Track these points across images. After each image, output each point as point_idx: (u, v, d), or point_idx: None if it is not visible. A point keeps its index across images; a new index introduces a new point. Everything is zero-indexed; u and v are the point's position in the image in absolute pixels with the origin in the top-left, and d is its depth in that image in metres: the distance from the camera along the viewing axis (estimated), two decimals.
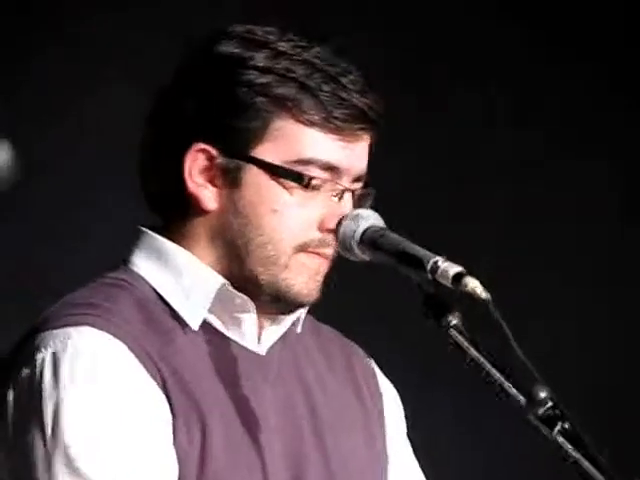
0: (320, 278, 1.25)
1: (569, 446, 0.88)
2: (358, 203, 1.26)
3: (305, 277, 1.23)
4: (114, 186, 3.52)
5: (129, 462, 1.08)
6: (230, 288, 1.22)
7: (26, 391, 1.12)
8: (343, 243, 1.20)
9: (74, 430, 1.07)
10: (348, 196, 1.24)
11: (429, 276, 1.02)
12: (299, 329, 1.32)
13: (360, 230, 1.17)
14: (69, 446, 1.06)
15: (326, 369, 1.39)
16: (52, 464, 1.07)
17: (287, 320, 1.29)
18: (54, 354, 1.11)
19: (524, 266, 4.21)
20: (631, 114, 4.45)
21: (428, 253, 1.05)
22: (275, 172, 1.21)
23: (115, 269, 1.26)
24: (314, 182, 1.22)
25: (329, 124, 1.22)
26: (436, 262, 1.02)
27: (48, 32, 3.80)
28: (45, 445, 1.08)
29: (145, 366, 1.13)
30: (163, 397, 1.13)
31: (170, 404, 1.14)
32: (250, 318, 1.24)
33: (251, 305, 1.23)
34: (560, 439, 0.88)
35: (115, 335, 1.13)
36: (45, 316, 1.19)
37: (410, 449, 1.47)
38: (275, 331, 1.29)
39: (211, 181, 1.23)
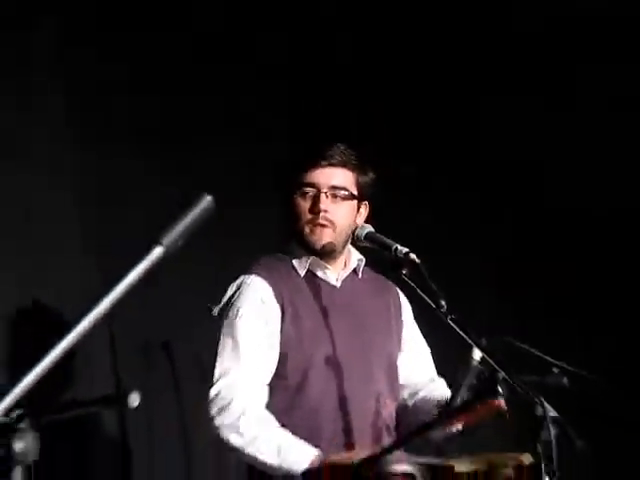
0: (316, 236, 2.34)
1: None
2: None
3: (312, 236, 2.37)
4: None
5: (260, 335, 2.28)
6: (316, 259, 2.38)
7: (229, 296, 2.35)
8: (357, 238, 2.37)
9: (235, 319, 2.28)
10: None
11: (393, 253, 2.17)
12: (360, 274, 2.48)
13: (363, 233, 2.36)
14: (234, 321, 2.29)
15: (373, 295, 2.51)
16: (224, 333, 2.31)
17: (349, 268, 2.44)
18: (240, 283, 2.34)
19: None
20: None
21: (393, 243, 2.19)
22: None
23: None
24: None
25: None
26: (396, 247, 2.17)
27: None
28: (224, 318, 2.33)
29: (276, 293, 2.31)
30: (279, 308, 2.30)
31: (282, 311, 2.31)
32: (329, 268, 2.40)
33: (326, 262, 2.40)
34: None
35: (263, 277, 2.33)
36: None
37: (418, 333, 2.58)
38: (344, 274, 2.44)
39: None
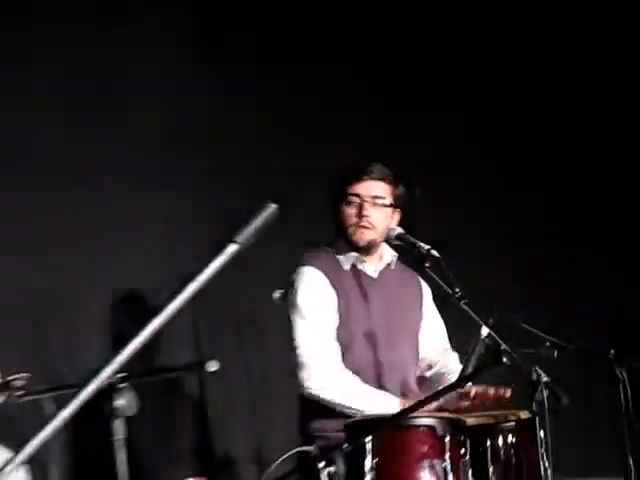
0: (360, 236, 2.86)
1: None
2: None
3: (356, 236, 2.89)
4: None
5: (324, 312, 2.83)
6: (358, 254, 2.91)
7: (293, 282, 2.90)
8: (389, 238, 2.87)
9: (302, 302, 2.82)
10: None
11: (417, 250, 2.67)
12: (392, 266, 2.99)
13: (395, 233, 2.85)
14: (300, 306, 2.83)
15: (402, 284, 3.04)
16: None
17: (384, 262, 2.96)
18: (301, 272, 2.88)
19: None
20: None
21: (417, 241, 2.69)
22: None
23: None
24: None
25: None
26: (420, 245, 2.67)
27: None
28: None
29: (329, 281, 2.85)
30: (335, 293, 2.84)
31: (337, 296, 2.84)
32: (368, 261, 2.93)
33: (365, 257, 2.92)
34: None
35: (318, 268, 2.87)
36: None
37: (437, 314, 3.09)
38: (380, 267, 2.97)
39: None
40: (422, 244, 2.68)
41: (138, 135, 3.67)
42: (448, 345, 3.10)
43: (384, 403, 2.74)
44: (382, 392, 2.82)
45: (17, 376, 2.45)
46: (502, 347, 2.40)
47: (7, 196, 3.31)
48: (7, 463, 1.28)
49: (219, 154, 3.91)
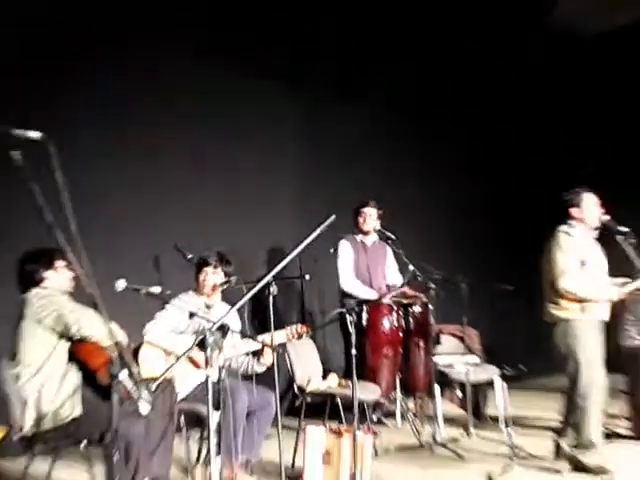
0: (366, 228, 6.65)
1: None
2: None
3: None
4: None
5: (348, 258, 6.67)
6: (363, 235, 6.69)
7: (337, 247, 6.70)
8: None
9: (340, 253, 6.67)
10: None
11: (386, 235, 6.54)
12: (376, 242, 6.72)
13: (378, 226, 6.69)
14: None
15: (379, 248, 6.74)
16: None
17: (373, 239, 6.68)
18: (340, 241, 6.65)
19: None
20: None
21: (385, 231, 6.53)
22: None
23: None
24: None
25: None
26: (388, 235, 6.54)
27: None
28: None
29: (351, 246, 6.62)
30: (352, 252, 6.60)
31: (354, 253, 6.60)
32: (366, 239, 6.68)
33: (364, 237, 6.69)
34: None
35: (347, 240, 6.63)
36: None
37: (394, 262, 6.89)
38: (371, 241, 6.70)
39: None
40: (387, 232, 6.43)
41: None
42: (397, 272, 6.83)
43: (371, 294, 6.44)
44: (370, 290, 6.52)
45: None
46: (416, 271, 6.22)
47: None
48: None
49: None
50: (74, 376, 3.75)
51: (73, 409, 3.65)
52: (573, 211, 5.10)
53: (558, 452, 5.06)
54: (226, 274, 4.77)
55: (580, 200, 5.11)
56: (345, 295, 6.52)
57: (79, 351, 3.72)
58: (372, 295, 6.42)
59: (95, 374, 3.67)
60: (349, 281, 6.53)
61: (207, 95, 6.72)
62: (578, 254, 4.98)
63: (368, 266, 6.62)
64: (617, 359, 5.71)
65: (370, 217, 6.58)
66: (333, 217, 3.57)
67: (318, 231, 3.49)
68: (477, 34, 8.29)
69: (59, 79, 5.58)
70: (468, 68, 8.54)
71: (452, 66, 8.42)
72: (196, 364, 4.38)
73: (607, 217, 5.10)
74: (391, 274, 6.81)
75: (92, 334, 3.65)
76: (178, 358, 4.11)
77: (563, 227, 5.07)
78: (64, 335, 3.69)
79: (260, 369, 4.66)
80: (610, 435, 5.80)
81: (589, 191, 5.15)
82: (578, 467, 4.83)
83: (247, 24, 6.92)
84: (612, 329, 5.50)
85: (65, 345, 3.72)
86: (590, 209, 5.10)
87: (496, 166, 9.13)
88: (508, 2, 8.12)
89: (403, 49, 7.90)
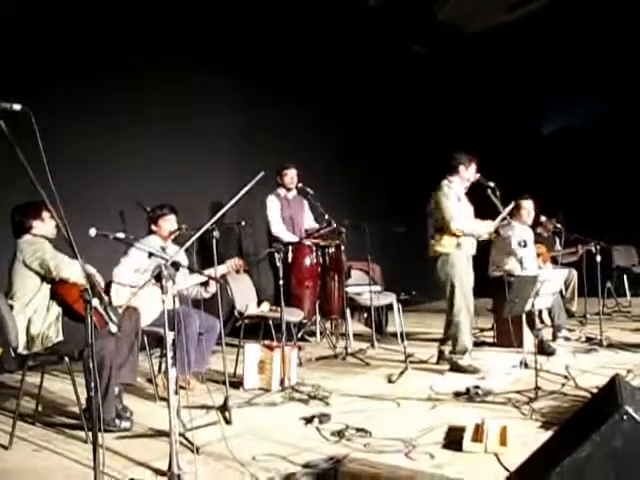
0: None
1: None
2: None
3: None
4: None
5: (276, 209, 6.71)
6: (286, 191, 6.74)
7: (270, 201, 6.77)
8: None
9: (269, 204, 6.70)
10: None
11: (305, 190, 6.63)
12: (295, 194, 6.77)
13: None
14: None
15: (299, 201, 6.82)
16: None
17: (292, 193, 6.72)
18: (269, 197, 6.70)
19: None
20: None
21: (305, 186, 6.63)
22: None
23: None
24: None
25: None
26: (307, 190, 6.63)
27: None
28: None
29: (278, 201, 6.70)
30: (280, 204, 6.69)
31: (280, 205, 6.69)
32: (289, 195, 6.74)
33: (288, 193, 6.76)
34: None
35: (274, 195, 6.70)
36: None
37: (309, 209, 6.99)
38: (292, 195, 6.75)
39: None
40: (307, 188, 6.51)
41: None
42: (312, 220, 6.89)
43: (293, 238, 6.54)
44: (293, 235, 6.61)
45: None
46: (330, 219, 6.33)
47: None
48: None
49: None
50: (56, 309, 3.77)
51: (57, 334, 3.68)
52: (460, 168, 5.27)
53: (440, 357, 5.32)
54: (177, 223, 4.83)
55: (466, 160, 5.29)
56: (273, 238, 6.61)
57: (59, 289, 3.76)
58: (293, 239, 6.54)
59: (72, 306, 3.70)
60: (277, 227, 6.62)
61: (166, 74, 6.60)
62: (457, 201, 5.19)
63: (291, 215, 6.72)
64: (485, 285, 6.03)
65: (292, 177, 6.64)
66: (262, 174, 3.62)
67: (249, 186, 3.54)
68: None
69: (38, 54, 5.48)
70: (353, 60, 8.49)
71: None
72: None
73: (478, 175, 5.30)
74: (308, 222, 6.91)
75: (68, 276, 3.69)
76: (140, 288, 4.17)
77: (445, 181, 5.26)
78: (46, 276, 3.72)
79: (207, 295, 4.75)
80: (480, 344, 6.13)
81: (471, 155, 5.34)
82: (455, 367, 5.10)
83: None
84: (481, 262, 5.78)
85: (48, 285, 3.75)
86: (471, 168, 5.28)
87: (391, 139, 9.33)
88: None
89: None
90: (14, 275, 3.73)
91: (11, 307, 3.68)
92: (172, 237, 4.84)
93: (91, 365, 2.45)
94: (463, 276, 5.09)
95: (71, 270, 3.66)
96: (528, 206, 6.22)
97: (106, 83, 6.03)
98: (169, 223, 4.78)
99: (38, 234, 3.81)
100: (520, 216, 6.19)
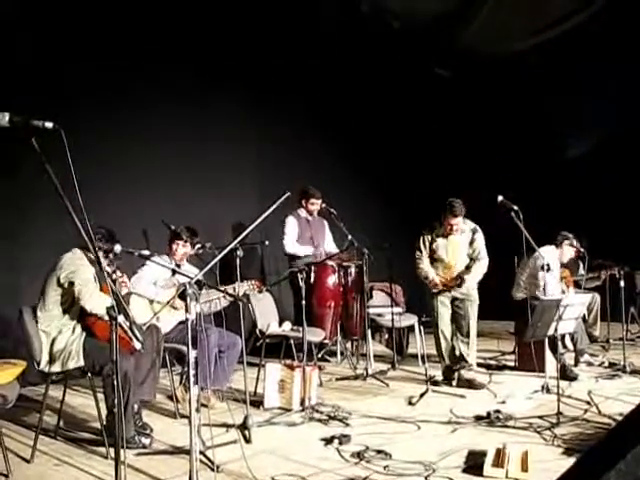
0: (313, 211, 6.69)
1: None
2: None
3: None
4: None
5: (294, 230, 6.70)
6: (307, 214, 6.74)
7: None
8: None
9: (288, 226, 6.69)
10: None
11: (327, 207, 6.64)
12: (316, 217, 6.73)
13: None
14: None
15: (320, 221, 6.78)
16: None
17: (315, 215, 6.72)
18: (288, 217, 6.67)
19: None
20: None
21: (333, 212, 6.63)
22: None
23: None
24: None
25: None
26: (331, 211, 6.64)
27: None
28: None
29: (297, 221, 6.69)
30: (297, 226, 6.67)
31: (299, 227, 6.67)
32: (308, 215, 6.72)
33: (309, 216, 6.75)
34: None
35: (294, 216, 6.71)
36: None
37: (329, 231, 7.01)
38: (312, 216, 6.73)
39: None
40: (330, 209, 6.49)
41: None
42: (332, 242, 6.85)
43: (308, 250, 6.47)
44: (307, 247, 6.54)
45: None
46: (353, 240, 6.32)
47: None
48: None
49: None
50: (81, 333, 3.76)
51: (78, 357, 3.66)
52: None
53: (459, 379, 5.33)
54: (193, 244, 4.89)
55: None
56: (291, 258, 6.59)
57: (87, 319, 3.76)
58: (308, 251, 6.56)
59: (96, 332, 3.73)
60: (290, 246, 6.59)
61: (182, 97, 6.64)
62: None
63: (311, 236, 6.68)
64: (507, 308, 5.95)
65: (318, 207, 6.60)
66: (288, 194, 3.60)
67: (275, 205, 3.52)
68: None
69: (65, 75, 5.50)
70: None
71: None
72: (175, 307, 4.52)
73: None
74: (327, 243, 6.87)
75: (90, 308, 3.68)
76: (163, 306, 4.18)
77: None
78: (68, 295, 3.73)
79: (225, 303, 4.79)
80: (501, 367, 6.05)
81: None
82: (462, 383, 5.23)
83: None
84: (503, 284, 5.72)
85: (77, 306, 3.74)
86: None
87: (414, 161, 9.34)
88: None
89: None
90: (47, 287, 3.74)
91: (37, 320, 3.70)
92: (185, 258, 4.93)
93: (115, 383, 2.44)
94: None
95: (93, 303, 3.64)
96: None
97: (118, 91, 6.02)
98: (184, 247, 4.85)
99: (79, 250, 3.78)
100: (563, 256, 6.20)
